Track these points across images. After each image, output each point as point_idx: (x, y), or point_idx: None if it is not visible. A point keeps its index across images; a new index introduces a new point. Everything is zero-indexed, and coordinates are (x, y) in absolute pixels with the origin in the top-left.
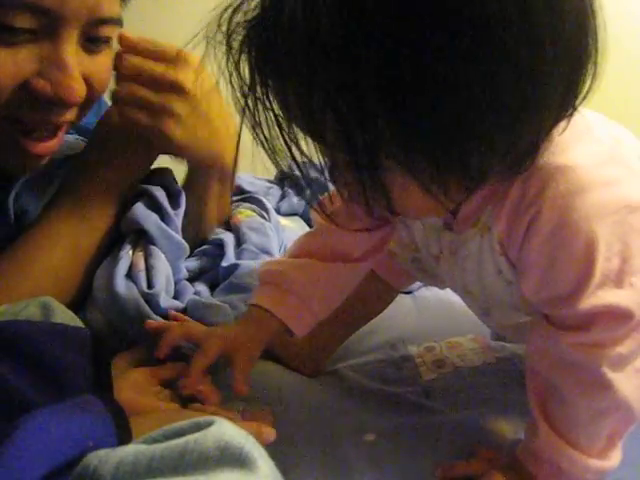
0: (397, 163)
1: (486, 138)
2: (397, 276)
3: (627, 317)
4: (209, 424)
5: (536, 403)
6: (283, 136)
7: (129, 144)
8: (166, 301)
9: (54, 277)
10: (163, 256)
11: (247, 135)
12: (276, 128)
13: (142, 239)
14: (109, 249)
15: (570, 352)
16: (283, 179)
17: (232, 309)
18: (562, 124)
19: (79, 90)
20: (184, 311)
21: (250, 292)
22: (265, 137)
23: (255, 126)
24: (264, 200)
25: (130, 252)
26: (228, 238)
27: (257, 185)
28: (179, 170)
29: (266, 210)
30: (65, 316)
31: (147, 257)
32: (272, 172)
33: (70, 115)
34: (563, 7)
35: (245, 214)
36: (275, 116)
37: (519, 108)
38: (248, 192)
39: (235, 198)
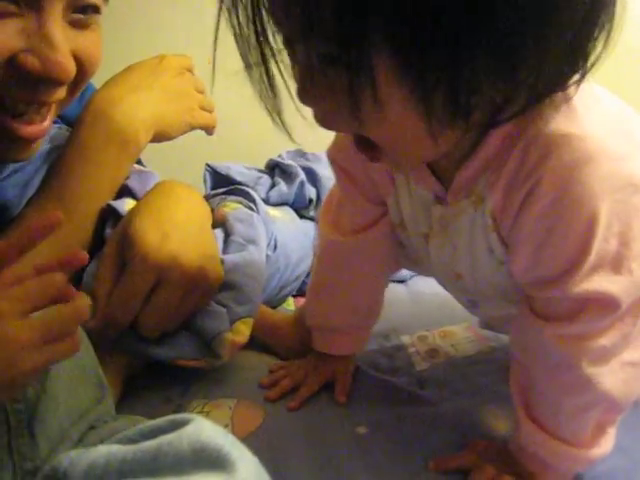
0: (388, 65)
1: (483, 56)
2: None
3: (615, 306)
4: (186, 423)
5: (518, 395)
6: (256, 30)
7: (108, 143)
8: None
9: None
10: None
11: (242, 125)
12: (251, 22)
13: None
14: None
15: (551, 346)
16: (273, 168)
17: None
18: (570, 90)
19: (69, 67)
20: None
21: (236, 289)
22: (240, 26)
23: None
24: (251, 192)
25: None
26: (217, 233)
27: (247, 175)
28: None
29: (253, 202)
30: None
31: None
32: (262, 162)
33: (60, 94)
34: None
35: (231, 207)
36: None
37: (524, 34)
38: (238, 182)
39: (222, 190)
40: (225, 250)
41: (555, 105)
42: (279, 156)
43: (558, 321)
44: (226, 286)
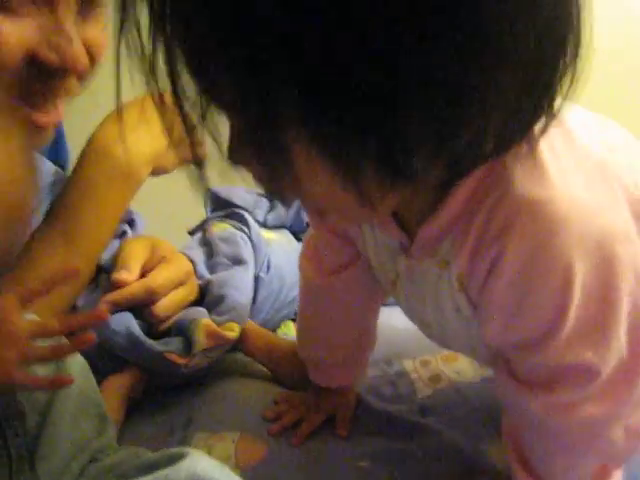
0: (304, 141)
1: (415, 122)
2: None
3: (594, 375)
4: (182, 457)
5: (511, 447)
6: (175, 90)
7: (111, 179)
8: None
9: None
10: None
11: None
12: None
13: None
14: None
15: (535, 412)
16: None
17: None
18: (534, 138)
19: (84, 59)
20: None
21: (219, 302)
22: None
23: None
24: (246, 215)
25: None
26: (196, 255)
27: (246, 198)
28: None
29: (247, 225)
30: None
31: None
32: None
33: (72, 83)
34: None
35: (219, 227)
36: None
37: (459, 80)
38: (236, 206)
39: (220, 213)
40: (212, 271)
41: (519, 158)
42: None
43: (538, 388)
44: (210, 302)
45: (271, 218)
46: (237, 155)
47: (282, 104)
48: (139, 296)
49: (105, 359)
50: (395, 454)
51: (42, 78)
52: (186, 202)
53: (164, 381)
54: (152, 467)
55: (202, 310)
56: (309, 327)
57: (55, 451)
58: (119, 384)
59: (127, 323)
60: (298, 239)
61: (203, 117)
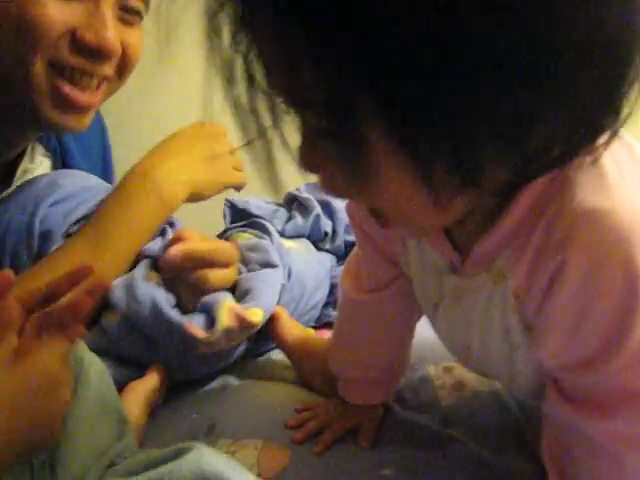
0: (382, 138)
1: (487, 129)
2: None
3: None
4: (187, 451)
5: (551, 462)
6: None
7: (148, 198)
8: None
9: None
10: None
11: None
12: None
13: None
14: None
15: (590, 436)
16: (292, 201)
17: None
18: (599, 149)
19: (116, 45)
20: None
21: (245, 292)
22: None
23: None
24: (267, 224)
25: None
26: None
27: (265, 209)
28: None
29: (268, 234)
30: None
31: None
32: (281, 196)
33: (107, 70)
34: None
35: (243, 237)
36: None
37: (539, 79)
38: (255, 216)
39: (241, 223)
40: None
41: (582, 168)
42: (297, 189)
43: (595, 412)
44: (238, 294)
45: (289, 228)
46: (308, 159)
47: (365, 102)
48: (202, 255)
49: (129, 338)
50: (419, 463)
51: (80, 55)
52: (204, 213)
53: (182, 377)
54: (159, 462)
55: (228, 294)
56: (344, 344)
57: (74, 457)
58: (140, 390)
59: (153, 293)
60: (317, 249)
61: (275, 121)
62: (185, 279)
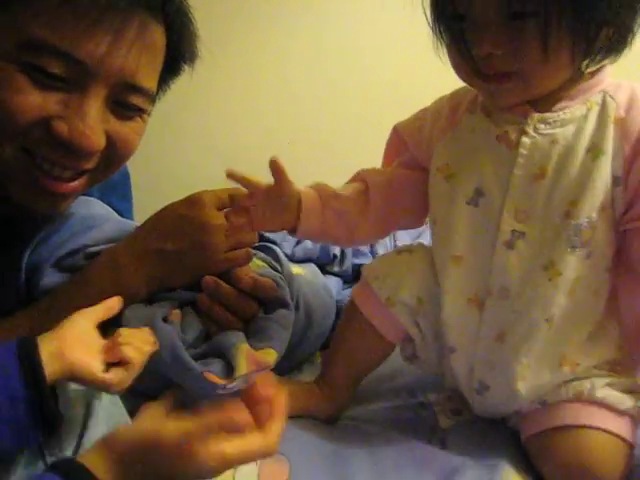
0: (563, 18)
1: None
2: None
3: None
4: None
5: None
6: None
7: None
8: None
9: None
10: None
11: None
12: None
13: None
14: None
15: None
16: None
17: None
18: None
19: (94, 141)
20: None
21: (260, 331)
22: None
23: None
24: (277, 250)
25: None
26: None
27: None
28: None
29: (278, 260)
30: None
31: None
32: None
33: (87, 164)
34: None
35: (256, 264)
36: None
37: None
38: (266, 239)
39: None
40: None
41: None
42: None
43: None
44: (251, 330)
45: (299, 251)
46: (489, 42)
47: None
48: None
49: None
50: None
51: (55, 148)
52: None
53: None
54: None
55: (240, 334)
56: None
57: None
58: (155, 410)
59: (173, 339)
60: (325, 272)
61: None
62: None
